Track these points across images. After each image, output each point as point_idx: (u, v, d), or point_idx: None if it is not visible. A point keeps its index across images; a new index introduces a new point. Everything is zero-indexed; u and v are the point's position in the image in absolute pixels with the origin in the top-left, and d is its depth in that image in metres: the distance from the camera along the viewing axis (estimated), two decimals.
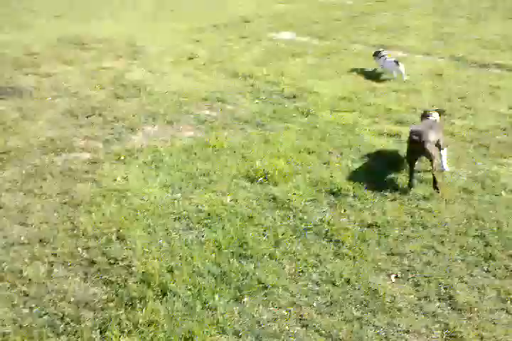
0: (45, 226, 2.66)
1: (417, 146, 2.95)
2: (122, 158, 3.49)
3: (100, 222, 2.69)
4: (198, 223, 2.71)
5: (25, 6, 10.80)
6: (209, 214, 2.79)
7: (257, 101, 4.79)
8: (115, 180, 3.16)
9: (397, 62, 5.44)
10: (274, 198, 2.94)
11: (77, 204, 2.87)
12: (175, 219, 2.75)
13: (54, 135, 3.86)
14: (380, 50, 5.93)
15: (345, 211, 2.77)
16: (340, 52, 6.69)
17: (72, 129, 4.01)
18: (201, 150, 3.63)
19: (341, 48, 6.93)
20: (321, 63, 6.19)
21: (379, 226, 2.61)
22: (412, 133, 3.03)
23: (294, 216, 2.75)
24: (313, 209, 2.81)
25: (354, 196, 2.91)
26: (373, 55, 5.87)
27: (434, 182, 2.91)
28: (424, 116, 3.46)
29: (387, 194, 2.94)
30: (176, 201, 2.93)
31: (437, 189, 2.92)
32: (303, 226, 2.65)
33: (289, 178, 3.17)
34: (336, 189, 2.98)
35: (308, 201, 2.89)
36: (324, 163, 3.37)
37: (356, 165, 3.32)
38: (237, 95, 4.94)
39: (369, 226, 2.62)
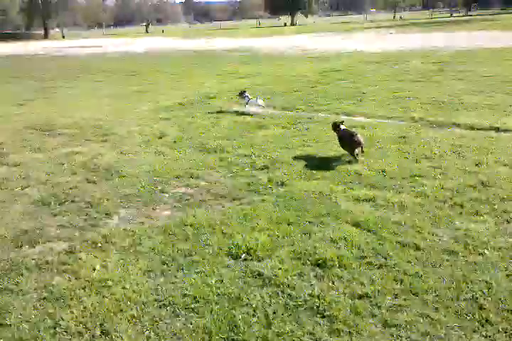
0: (25, 326, 2.50)
1: (358, 141, 4.94)
2: (99, 245, 3.40)
3: (82, 317, 2.55)
4: (185, 308, 2.61)
5: None
6: (195, 298, 2.69)
7: (230, 175, 4.87)
8: (94, 269, 3.05)
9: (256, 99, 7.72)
10: (260, 275, 2.89)
11: (57, 299, 2.73)
12: (160, 307, 2.64)
13: (27, 226, 3.75)
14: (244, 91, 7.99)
15: (333, 283, 2.74)
16: (306, 121, 7.02)
17: (45, 219, 3.91)
18: (180, 229, 3.59)
19: (306, 117, 7.30)
20: (288, 133, 6.45)
21: (370, 297, 2.57)
22: (355, 133, 5.04)
23: (283, 292, 2.69)
24: (301, 284, 2.76)
25: (340, 266, 2.90)
26: (238, 95, 8.09)
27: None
28: (336, 126, 5.34)
29: (372, 261, 2.94)
30: (159, 287, 2.83)
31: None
32: (293, 303, 2.58)
33: (272, 252, 3.14)
34: (320, 260, 2.97)
35: (294, 275, 2.85)
36: (305, 234, 3.38)
37: (337, 234, 3.34)
38: (210, 170, 5.02)
39: (360, 297, 2.58)
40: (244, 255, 3.14)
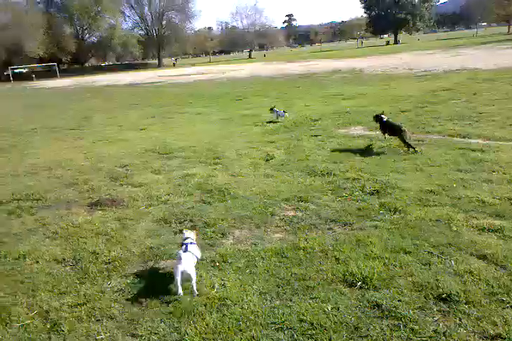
0: (154, 337, 2.70)
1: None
2: (217, 264, 3.57)
3: (205, 333, 2.68)
4: (303, 334, 2.62)
5: (109, 122, 12.24)
6: (312, 324, 2.69)
7: (339, 199, 4.84)
8: (213, 287, 3.20)
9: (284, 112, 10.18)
10: (378, 305, 2.81)
11: (181, 313, 2.91)
12: (278, 330, 2.68)
13: (152, 243, 4.07)
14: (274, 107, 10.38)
15: (460, 320, 2.56)
16: (416, 144, 6.76)
17: (167, 236, 4.22)
18: (292, 253, 3.64)
19: (416, 139, 7.01)
20: (398, 157, 6.26)
21: (504, 338, 2.36)
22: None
23: (405, 326, 2.58)
24: (424, 318, 2.62)
25: (467, 302, 2.70)
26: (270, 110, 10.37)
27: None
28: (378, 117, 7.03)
29: (504, 298, 2.71)
30: (275, 309, 2.88)
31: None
32: (417, 338, 2.46)
33: (389, 282, 3.04)
34: (444, 294, 2.80)
35: (416, 309, 2.72)
36: (425, 265, 3.23)
37: (462, 267, 3.13)
38: (318, 194, 5.04)
39: (493, 338, 2.38)
40: (359, 283, 3.08)
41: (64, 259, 3.85)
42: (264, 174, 6.01)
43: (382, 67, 23.93)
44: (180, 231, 3.90)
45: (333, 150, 6.93)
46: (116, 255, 3.84)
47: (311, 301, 2.94)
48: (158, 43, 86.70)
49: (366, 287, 3.04)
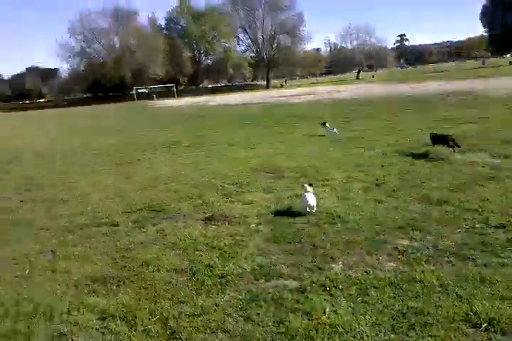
0: None
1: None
2: (327, 288, 3.54)
3: None
4: None
5: (221, 140, 12.84)
6: None
7: (458, 230, 4.53)
8: (324, 312, 3.18)
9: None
10: None
11: (292, 335, 2.92)
12: None
13: (262, 261, 4.17)
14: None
15: None
16: None
17: (277, 256, 4.29)
18: (408, 285, 3.48)
19: None
20: None
21: None
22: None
23: None
24: None
25: None
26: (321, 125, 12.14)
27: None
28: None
29: None
30: None
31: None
32: None
33: None
34: None
35: None
36: None
37: None
38: (435, 224, 4.77)
39: None
40: (485, 325, 2.84)
41: (182, 270, 4.10)
42: (375, 199, 5.85)
43: (504, 88, 22.10)
44: (303, 186, 5.75)
45: (451, 178, 6.53)
46: (230, 270, 4.00)
47: (430, 339, 2.77)
48: (268, 65, 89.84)
49: (493, 330, 2.79)
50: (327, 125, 12.02)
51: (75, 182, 8.64)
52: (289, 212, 5.59)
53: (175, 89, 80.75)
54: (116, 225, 5.60)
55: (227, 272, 3.96)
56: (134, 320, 3.28)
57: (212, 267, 4.09)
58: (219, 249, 4.54)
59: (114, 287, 3.84)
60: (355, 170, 7.57)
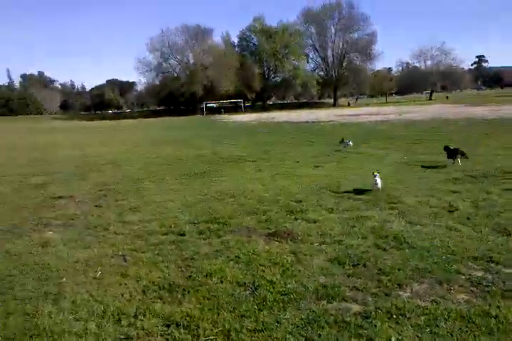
0: None
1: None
2: (394, 316, 3.41)
3: None
4: None
5: (286, 157, 12.86)
6: None
7: None
8: (390, 340, 3.06)
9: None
10: None
11: None
12: None
13: (325, 281, 4.11)
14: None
15: None
16: None
17: (340, 277, 4.21)
18: (481, 319, 3.27)
19: None
20: None
21: None
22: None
23: None
24: None
25: None
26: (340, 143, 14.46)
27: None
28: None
29: None
30: None
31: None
32: None
33: None
34: None
35: None
36: None
37: None
38: None
39: None
40: None
41: (244, 283, 4.14)
42: (447, 226, 5.59)
43: None
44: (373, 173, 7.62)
45: None
46: (292, 288, 3.98)
47: None
48: (336, 83, 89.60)
49: None
50: (345, 141, 14.49)
51: (146, 190, 9.03)
52: (354, 233, 5.49)
53: (243, 105, 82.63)
54: (183, 234, 5.77)
55: (289, 290, 3.94)
56: (197, 330, 3.35)
57: (274, 283, 4.09)
58: (281, 266, 4.53)
59: (180, 295, 3.95)
60: (425, 194, 7.29)
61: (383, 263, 4.49)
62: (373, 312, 3.47)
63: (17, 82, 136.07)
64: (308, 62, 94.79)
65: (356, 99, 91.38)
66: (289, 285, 4.03)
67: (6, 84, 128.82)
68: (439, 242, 4.99)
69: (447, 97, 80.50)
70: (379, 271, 4.30)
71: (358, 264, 4.52)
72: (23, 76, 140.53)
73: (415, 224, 5.77)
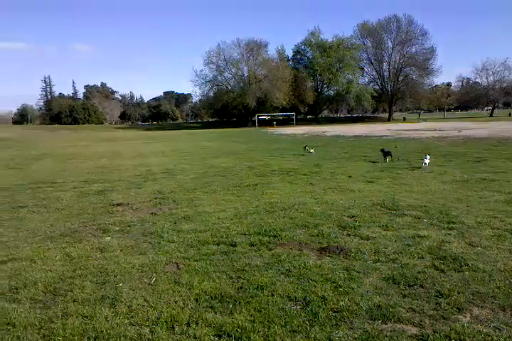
0: None
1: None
2: (452, 340, 3.26)
3: None
4: None
5: (338, 171, 12.69)
6: None
7: None
8: None
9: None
10: None
11: None
12: None
13: (379, 301, 3.99)
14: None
15: None
16: None
17: (395, 297, 4.07)
18: None
19: None
20: None
21: None
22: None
23: None
24: None
25: None
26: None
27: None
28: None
29: None
30: None
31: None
32: None
33: None
34: None
35: None
36: None
37: None
38: None
39: None
40: None
41: (295, 298, 4.10)
42: (511, 250, 5.29)
43: None
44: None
45: None
46: (344, 305, 3.90)
47: None
48: (391, 98, 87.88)
49: None
50: (307, 149, 18.56)
51: (198, 200, 9.20)
52: (410, 252, 5.30)
53: (294, 118, 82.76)
54: (234, 245, 5.82)
55: (341, 307, 3.86)
56: None
57: (326, 299, 4.03)
58: (333, 282, 4.46)
59: (231, 306, 3.97)
60: (486, 215, 6.95)
61: (441, 285, 4.31)
62: (431, 336, 3.33)
63: (81, 92, 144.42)
64: (362, 75, 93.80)
65: (419, 114, 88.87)
66: (341, 303, 3.95)
67: (71, 95, 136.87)
68: (502, 266, 4.73)
69: (510, 114, 76.58)
70: (437, 293, 4.13)
71: (414, 285, 4.36)
72: (87, 87, 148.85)
73: (476, 245, 5.50)
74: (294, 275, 4.69)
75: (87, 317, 3.87)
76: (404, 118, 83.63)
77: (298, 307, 3.93)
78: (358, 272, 4.74)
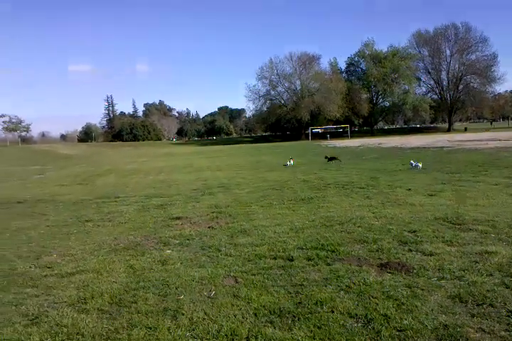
0: None
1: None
2: None
3: None
4: None
5: (396, 184, 12.31)
6: None
7: None
8: None
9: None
10: None
11: None
12: None
13: (445, 320, 3.81)
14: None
15: None
16: None
17: (463, 317, 3.88)
18: None
19: None
20: None
21: None
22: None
23: None
24: None
25: None
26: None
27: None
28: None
29: None
30: None
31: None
32: None
33: None
34: None
35: None
36: None
37: None
38: None
39: None
40: None
41: (356, 315, 4.01)
42: None
43: None
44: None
45: None
46: (408, 324, 3.76)
47: None
48: (451, 107, 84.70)
49: None
50: (290, 161, 21.22)
51: (254, 214, 9.27)
52: (477, 269, 5.04)
53: (349, 130, 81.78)
54: (292, 260, 5.79)
55: (405, 326, 3.73)
56: None
57: (388, 318, 3.91)
58: (395, 300, 4.32)
59: (290, 321, 3.95)
60: None
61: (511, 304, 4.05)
62: None
63: (140, 110, 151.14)
64: (419, 85, 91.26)
65: (491, 123, 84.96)
66: (405, 321, 3.82)
67: (131, 113, 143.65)
68: None
69: None
70: (508, 313, 3.89)
71: (483, 303, 4.13)
72: (146, 105, 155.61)
73: None
74: (354, 291, 4.59)
75: (150, 329, 3.99)
76: (466, 129, 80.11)
77: (359, 324, 3.84)
78: (422, 289, 4.56)
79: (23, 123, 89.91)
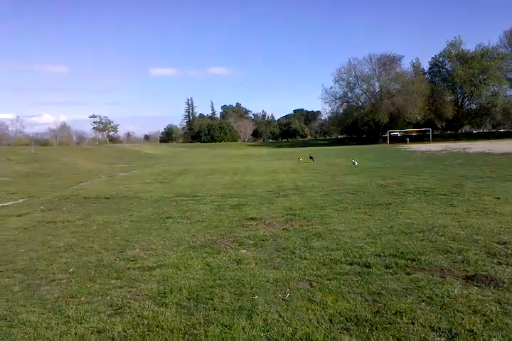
0: None
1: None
2: None
3: None
4: None
5: (484, 192, 11.47)
6: None
7: None
8: None
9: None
10: None
11: None
12: None
13: None
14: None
15: None
16: None
17: None
18: None
19: None
20: None
21: None
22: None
23: None
24: None
25: None
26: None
27: None
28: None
29: None
30: None
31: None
32: None
33: None
34: None
35: None
36: None
37: None
38: None
39: None
40: None
41: (439, 328, 3.79)
42: None
43: None
44: None
45: None
46: None
47: None
48: None
49: None
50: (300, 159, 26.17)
51: (329, 217, 9.12)
52: None
53: (430, 134, 78.05)
54: (369, 267, 5.61)
55: None
56: None
57: (475, 334, 3.65)
58: (483, 315, 4.02)
59: (367, 330, 3.82)
60: None
61: None
62: None
63: (218, 112, 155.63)
64: (511, 87, 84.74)
65: None
66: (493, 339, 3.54)
67: (209, 115, 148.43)
68: None
69: None
70: None
71: None
72: (223, 107, 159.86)
73: None
74: (437, 303, 4.35)
75: (226, 326, 4.06)
76: None
77: (442, 339, 3.62)
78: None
79: (112, 124, 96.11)
